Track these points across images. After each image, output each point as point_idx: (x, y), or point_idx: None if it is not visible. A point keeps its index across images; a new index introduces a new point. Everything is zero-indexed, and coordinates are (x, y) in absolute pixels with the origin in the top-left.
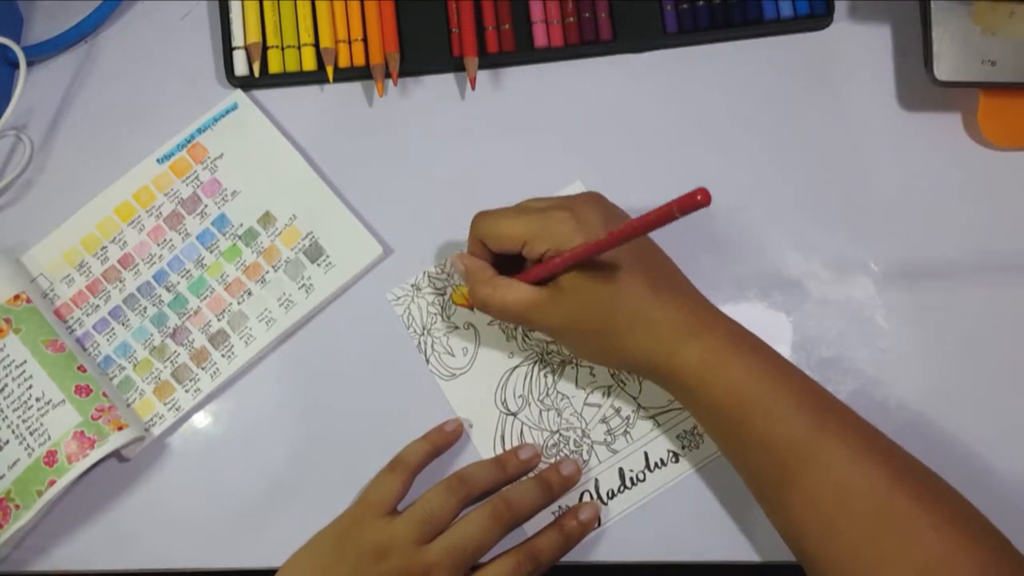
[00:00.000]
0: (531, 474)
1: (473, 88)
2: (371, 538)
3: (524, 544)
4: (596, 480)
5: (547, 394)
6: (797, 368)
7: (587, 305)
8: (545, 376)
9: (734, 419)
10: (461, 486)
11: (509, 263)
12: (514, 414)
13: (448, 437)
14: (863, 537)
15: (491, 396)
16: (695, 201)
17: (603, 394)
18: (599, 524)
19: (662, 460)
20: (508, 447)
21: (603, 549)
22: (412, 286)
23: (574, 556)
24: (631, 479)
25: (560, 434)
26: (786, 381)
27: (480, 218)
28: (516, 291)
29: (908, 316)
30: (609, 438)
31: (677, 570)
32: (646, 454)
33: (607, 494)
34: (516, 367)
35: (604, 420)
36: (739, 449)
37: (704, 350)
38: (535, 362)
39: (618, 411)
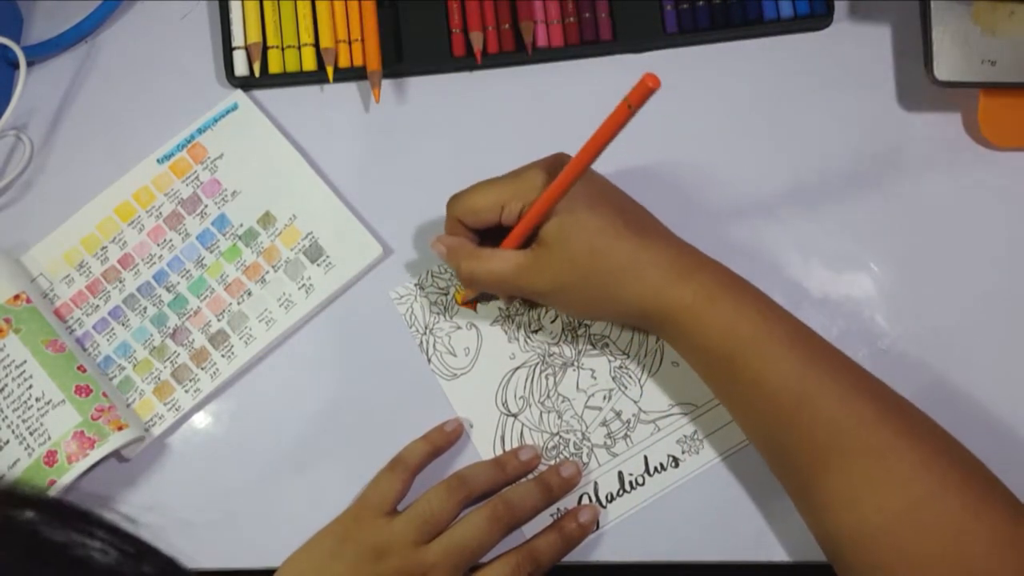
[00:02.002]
0: (531, 476)
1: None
2: (370, 538)
3: (523, 545)
4: (595, 483)
5: (548, 396)
6: (784, 308)
7: (574, 257)
8: (546, 378)
9: (727, 358)
10: (461, 487)
11: (494, 242)
12: (515, 415)
13: (448, 437)
14: (851, 471)
15: (492, 397)
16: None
17: (604, 397)
18: (597, 527)
19: (662, 464)
20: (508, 448)
21: (603, 549)
22: (415, 285)
23: (573, 556)
24: (630, 483)
25: (560, 436)
26: (777, 320)
27: (454, 199)
28: (501, 258)
29: (908, 316)
30: (609, 441)
31: (677, 570)
32: (646, 458)
33: (606, 497)
34: (517, 368)
35: (604, 423)
36: (732, 389)
37: (695, 290)
38: (536, 364)
39: (619, 414)
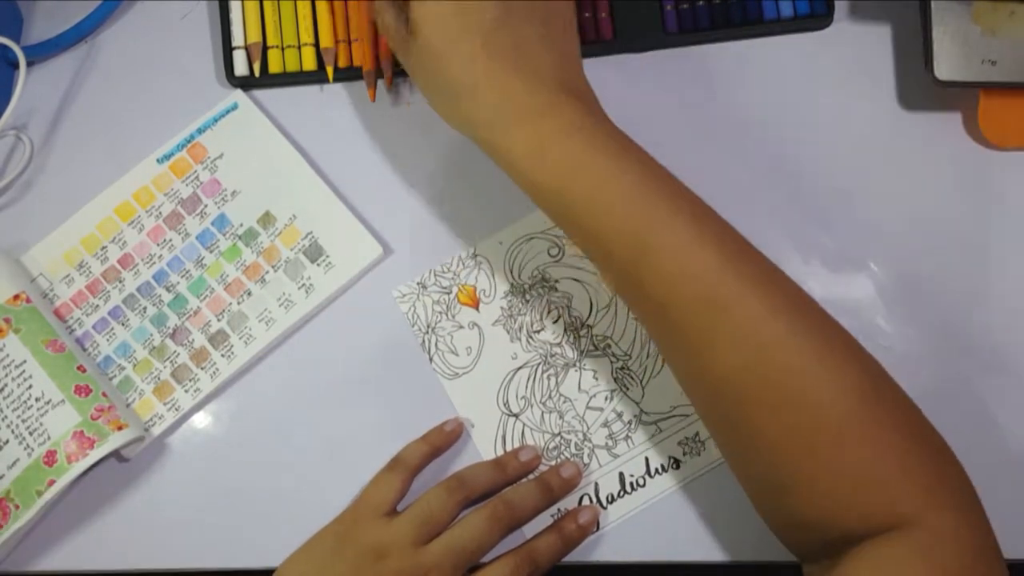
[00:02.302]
0: (531, 477)
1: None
2: (370, 538)
3: (523, 546)
4: (596, 484)
5: (550, 396)
6: (643, 154)
7: (425, 57)
8: (548, 378)
9: (560, 213)
10: (461, 487)
11: None
12: (516, 415)
13: (448, 437)
14: (697, 322)
15: (493, 397)
16: None
17: (606, 398)
18: (597, 528)
19: (663, 466)
20: (509, 448)
21: (603, 549)
22: (418, 284)
23: (573, 556)
24: (631, 484)
25: (561, 437)
26: (619, 170)
27: None
28: (390, 14)
29: (908, 316)
30: (610, 442)
31: (677, 570)
32: (647, 459)
33: (607, 498)
34: (519, 368)
35: (606, 424)
36: (576, 240)
37: (530, 137)
38: (539, 364)
39: (620, 415)
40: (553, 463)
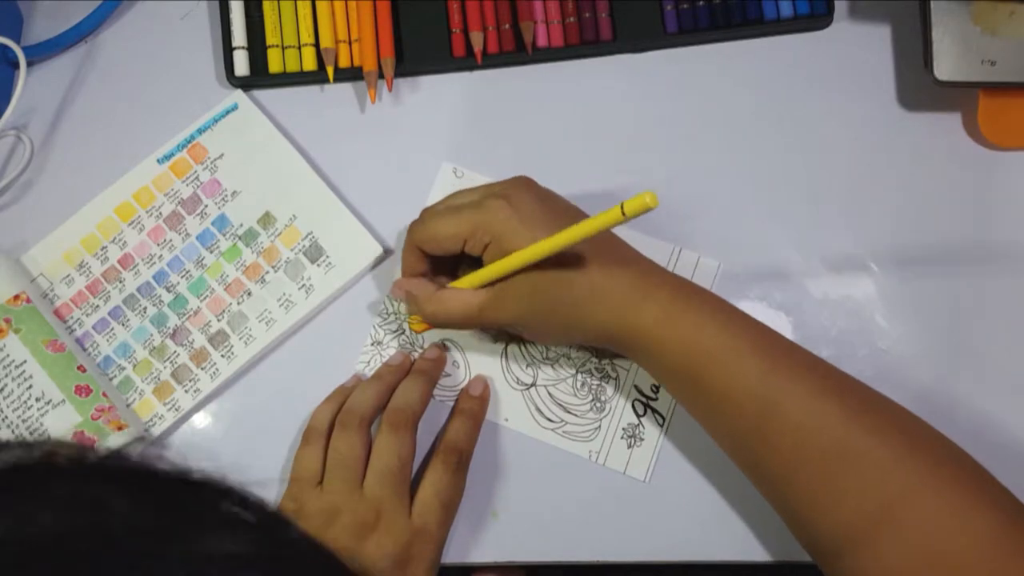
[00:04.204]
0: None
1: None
2: (315, 508)
3: (440, 442)
4: (635, 386)
5: (548, 349)
6: (750, 316)
7: (536, 290)
8: None
9: (692, 375)
10: (353, 418)
11: (450, 260)
12: (533, 384)
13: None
14: (822, 476)
15: (503, 380)
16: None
17: None
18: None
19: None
20: (552, 420)
21: (603, 549)
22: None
23: (574, 557)
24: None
25: (580, 371)
26: (737, 331)
27: (415, 225)
28: (464, 298)
29: (908, 316)
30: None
31: (676, 570)
32: None
33: (651, 389)
34: (507, 346)
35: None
36: (701, 404)
37: (654, 311)
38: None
39: None
40: (542, 392)
